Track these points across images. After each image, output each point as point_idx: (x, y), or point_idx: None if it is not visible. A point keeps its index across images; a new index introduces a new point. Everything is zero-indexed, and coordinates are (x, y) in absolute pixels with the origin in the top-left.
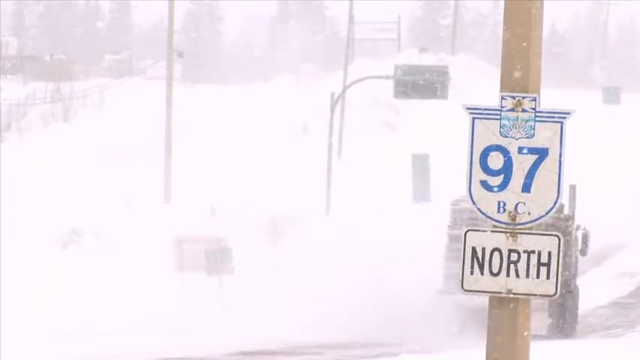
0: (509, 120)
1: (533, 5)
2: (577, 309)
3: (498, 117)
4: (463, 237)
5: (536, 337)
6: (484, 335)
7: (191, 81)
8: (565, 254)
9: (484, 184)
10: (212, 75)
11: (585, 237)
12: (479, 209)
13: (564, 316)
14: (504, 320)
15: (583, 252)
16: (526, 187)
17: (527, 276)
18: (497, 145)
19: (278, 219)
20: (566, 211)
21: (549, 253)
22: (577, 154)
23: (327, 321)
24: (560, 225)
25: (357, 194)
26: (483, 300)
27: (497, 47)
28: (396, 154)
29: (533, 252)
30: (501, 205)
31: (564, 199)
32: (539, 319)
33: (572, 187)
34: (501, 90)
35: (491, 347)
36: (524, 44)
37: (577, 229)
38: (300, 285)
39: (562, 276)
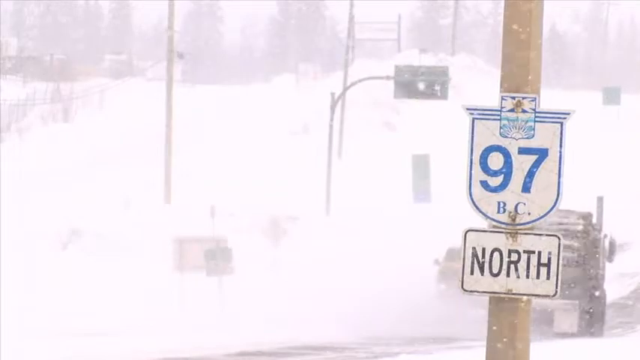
0: (509, 120)
1: (533, 5)
2: (605, 310)
3: (498, 117)
4: (463, 237)
5: (566, 335)
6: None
7: (191, 81)
8: (594, 260)
9: (484, 184)
10: (212, 75)
11: (612, 244)
12: (479, 209)
13: (593, 317)
14: (504, 320)
15: (610, 258)
16: (526, 188)
17: (528, 276)
18: (497, 145)
19: (278, 219)
20: (594, 220)
21: (549, 254)
22: (577, 154)
23: (327, 321)
24: (589, 233)
25: (357, 194)
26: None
27: (498, 47)
28: (396, 155)
29: (533, 252)
30: (501, 205)
31: (592, 210)
32: (570, 320)
33: (600, 199)
34: (501, 90)
35: (491, 347)
36: (524, 44)
37: (605, 237)
38: (300, 285)
39: (591, 281)
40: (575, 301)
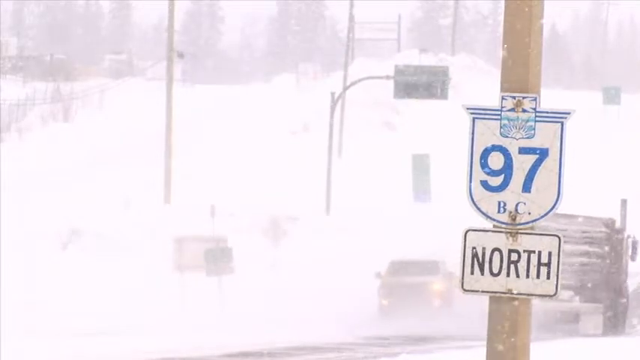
0: (509, 120)
1: (533, 5)
2: (627, 310)
3: (499, 117)
4: (463, 237)
5: (592, 335)
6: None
7: (191, 81)
8: (618, 264)
9: (484, 184)
10: (212, 75)
11: (635, 244)
12: (479, 209)
13: (617, 318)
14: (504, 320)
15: (633, 257)
16: (526, 187)
17: (528, 276)
18: (497, 145)
19: (278, 219)
20: (618, 224)
21: (549, 253)
22: (577, 153)
23: (327, 321)
24: (612, 239)
25: (357, 194)
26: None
27: (498, 47)
28: (396, 154)
29: (534, 252)
30: (501, 205)
31: (616, 214)
32: (595, 322)
33: (624, 202)
34: (501, 90)
35: (491, 347)
36: (525, 44)
37: (628, 237)
38: (300, 285)
39: (615, 284)
40: (600, 305)
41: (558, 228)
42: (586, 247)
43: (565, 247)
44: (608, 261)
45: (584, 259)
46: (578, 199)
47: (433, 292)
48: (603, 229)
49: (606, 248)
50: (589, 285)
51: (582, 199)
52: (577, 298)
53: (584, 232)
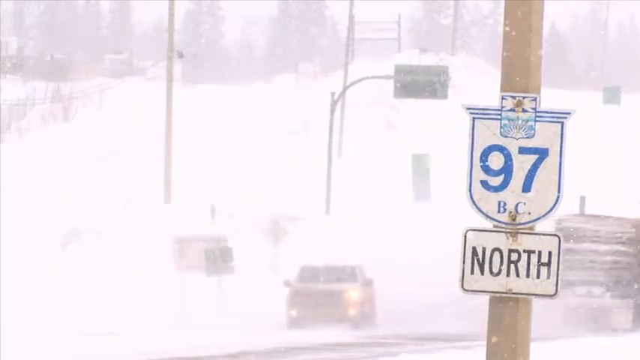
0: (509, 120)
1: (533, 5)
2: None
3: (499, 117)
4: (463, 237)
5: (620, 330)
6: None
7: (191, 81)
8: None
9: (484, 184)
10: (212, 75)
11: None
12: (479, 209)
13: None
14: (504, 320)
15: None
16: (526, 187)
17: (528, 276)
18: (497, 145)
19: (278, 219)
20: None
21: (549, 253)
22: (576, 154)
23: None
24: None
25: (357, 194)
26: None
27: (498, 47)
28: (396, 154)
29: (534, 252)
30: (501, 205)
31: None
32: (625, 316)
33: None
34: (501, 90)
35: (491, 347)
36: (525, 44)
37: None
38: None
39: None
40: (630, 300)
41: (592, 229)
42: (617, 247)
43: (597, 246)
44: (637, 259)
45: (615, 258)
46: (599, 200)
47: (349, 301)
48: (632, 229)
49: (635, 246)
50: (619, 282)
51: (603, 200)
52: (608, 294)
53: (615, 232)
